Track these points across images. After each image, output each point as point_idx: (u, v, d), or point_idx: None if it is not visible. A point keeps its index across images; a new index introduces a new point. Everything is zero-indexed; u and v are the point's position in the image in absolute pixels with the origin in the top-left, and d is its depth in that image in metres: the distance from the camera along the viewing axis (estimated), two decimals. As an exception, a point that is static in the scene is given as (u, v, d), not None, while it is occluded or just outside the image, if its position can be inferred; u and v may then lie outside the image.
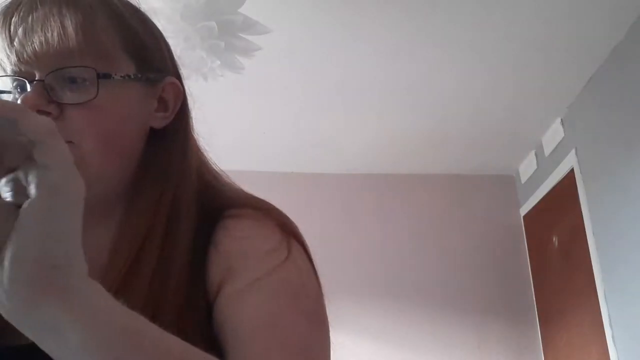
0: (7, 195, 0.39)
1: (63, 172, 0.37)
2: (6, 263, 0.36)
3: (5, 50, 0.58)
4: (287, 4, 2.30)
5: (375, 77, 2.77)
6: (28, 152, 0.37)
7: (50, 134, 0.37)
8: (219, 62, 2.12)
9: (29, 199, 0.36)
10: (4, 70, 0.59)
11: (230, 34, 2.05)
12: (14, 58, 0.57)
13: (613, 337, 2.57)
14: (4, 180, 0.39)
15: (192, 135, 0.68)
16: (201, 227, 0.61)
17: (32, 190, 0.36)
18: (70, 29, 0.57)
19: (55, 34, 0.57)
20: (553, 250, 3.19)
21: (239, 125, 3.07)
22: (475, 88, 2.86)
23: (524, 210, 3.52)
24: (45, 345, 0.37)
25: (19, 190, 0.38)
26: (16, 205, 0.38)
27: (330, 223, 3.43)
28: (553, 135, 3.15)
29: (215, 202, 0.64)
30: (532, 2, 2.31)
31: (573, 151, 2.93)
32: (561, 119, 3.07)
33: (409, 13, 2.36)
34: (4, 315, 0.37)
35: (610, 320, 2.60)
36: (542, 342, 3.29)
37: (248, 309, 0.53)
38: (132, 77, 0.61)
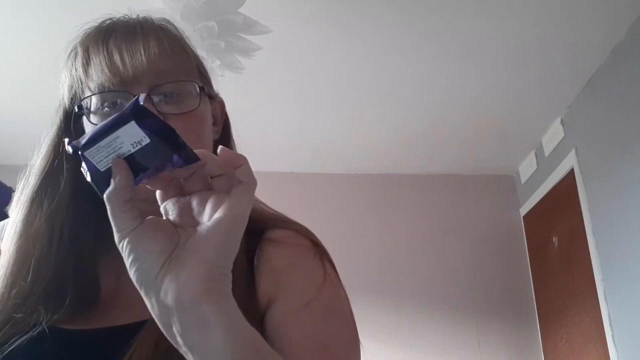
0: (172, 215, 0.48)
1: (247, 206, 0.47)
2: (188, 263, 0.44)
3: (104, 69, 0.64)
4: (287, 4, 2.30)
5: (375, 77, 2.78)
6: (207, 184, 0.48)
7: (255, 180, 0.48)
8: (219, 62, 2.12)
9: (216, 217, 0.46)
10: (100, 87, 0.64)
11: (230, 34, 2.05)
12: (116, 77, 0.63)
13: (613, 337, 2.57)
14: (172, 200, 0.48)
15: (235, 148, 0.79)
16: (245, 242, 0.67)
17: (220, 212, 0.46)
18: (168, 51, 0.66)
19: (156, 54, 0.65)
20: (553, 250, 3.19)
21: (238, 126, 3.06)
22: (474, 88, 2.86)
23: (524, 210, 3.53)
24: (188, 338, 0.44)
25: (185, 212, 0.47)
26: (174, 224, 0.47)
27: (330, 223, 3.43)
28: (553, 135, 3.15)
29: (254, 220, 0.70)
30: (532, 2, 2.31)
31: (573, 151, 2.93)
32: (561, 119, 3.07)
33: (409, 13, 2.36)
34: (156, 307, 0.45)
35: (610, 320, 2.60)
36: (542, 342, 3.29)
37: (304, 329, 0.61)
38: (207, 92, 0.71)
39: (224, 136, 0.78)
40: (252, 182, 0.48)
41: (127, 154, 0.46)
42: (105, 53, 0.65)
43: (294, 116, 3.11)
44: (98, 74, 0.64)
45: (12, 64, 2.62)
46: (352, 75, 2.77)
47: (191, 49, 0.72)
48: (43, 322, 0.61)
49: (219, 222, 0.45)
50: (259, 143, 3.27)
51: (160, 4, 1.94)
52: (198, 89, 0.67)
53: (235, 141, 0.80)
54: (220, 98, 0.77)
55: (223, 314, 0.44)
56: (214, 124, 0.75)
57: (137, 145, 0.46)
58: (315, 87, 2.86)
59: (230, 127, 0.79)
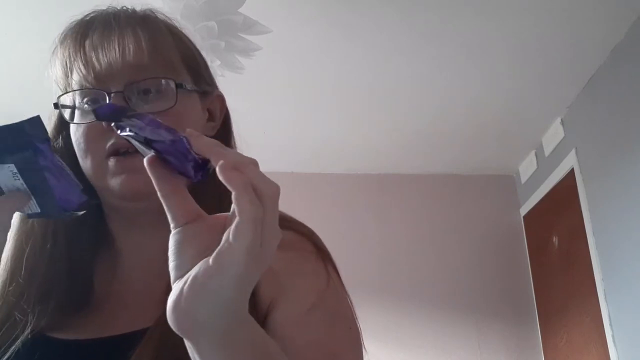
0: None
1: (252, 244, 0.42)
2: (188, 283, 0.41)
3: (80, 67, 0.63)
4: (287, 4, 2.30)
5: (375, 77, 2.77)
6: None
7: (272, 193, 0.43)
8: (219, 62, 2.12)
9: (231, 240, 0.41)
10: (76, 85, 0.63)
11: (230, 34, 2.05)
12: (90, 74, 0.62)
13: (613, 337, 2.57)
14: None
15: (235, 146, 0.75)
16: None
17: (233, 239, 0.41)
18: (144, 47, 0.63)
19: (131, 51, 0.63)
20: (553, 250, 3.18)
21: (238, 126, 3.06)
22: (475, 88, 2.86)
23: (524, 210, 3.52)
24: (193, 355, 0.44)
25: None
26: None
27: (330, 223, 3.42)
28: (553, 135, 3.15)
29: None
30: (532, 2, 2.31)
31: (573, 151, 2.93)
32: (561, 119, 3.07)
33: (409, 13, 2.36)
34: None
35: (610, 320, 2.60)
36: (542, 342, 3.29)
37: (307, 335, 0.59)
38: (194, 88, 0.68)
39: (224, 132, 0.75)
40: (274, 207, 0.42)
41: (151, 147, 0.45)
42: (81, 50, 0.63)
43: (294, 116, 3.11)
44: (75, 72, 0.63)
45: (12, 64, 2.62)
46: (352, 75, 2.77)
47: (180, 41, 0.70)
48: (31, 328, 0.60)
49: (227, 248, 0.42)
50: (259, 143, 3.26)
51: (160, 3, 1.94)
52: (174, 86, 0.64)
53: (236, 140, 0.78)
54: (220, 92, 0.74)
55: (227, 345, 0.43)
56: (211, 119, 0.73)
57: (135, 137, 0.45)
58: (315, 87, 2.86)
59: (230, 123, 0.77)
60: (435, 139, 3.31)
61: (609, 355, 2.59)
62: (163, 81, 0.64)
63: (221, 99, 0.75)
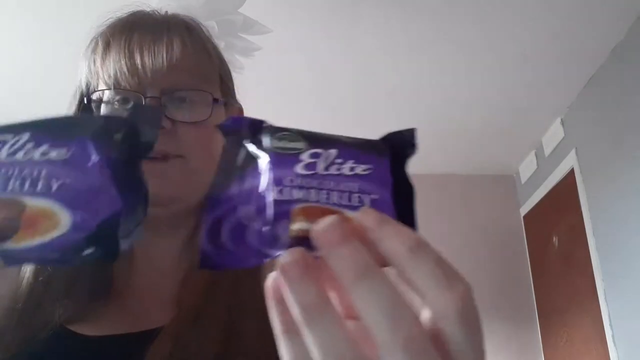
0: None
1: None
2: None
3: (122, 66, 0.62)
4: (287, 4, 2.30)
5: (375, 77, 2.77)
6: None
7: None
8: (218, 62, 2.12)
9: None
10: (115, 83, 0.62)
11: (230, 34, 2.05)
12: (134, 78, 0.61)
13: (613, 337, 2.57)
14: None
15: None
16: None
17: None
18: (189, 55, 0.64)
19: (178, 59, 0.62)
20: (553, 250, 3.19)
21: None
22: (475, 88, 2.86)
23: (524, 210, 3.52)
24: None
25: None
26: None
27: (330, 223, 3.43)
28: (553, 135, 3.15)
29: None
30: (533, 2, 2.31)
31: (573, 151, 2.93)
32: (561, 119, 3.07)
33: (409, 14, 2.36)
34: None
35: (610, 320, 2.60)
36: (542, 342, 3.29)
37: None
38: (224, 102, 0.68)
39: None
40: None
41: None
42: (126, 50, 0.63)
43: (295, 116, 3.11)
44: (116, 70, 0.62)
45: (12, 64, 2.62)
46: (351, 76, 2.77)
47: (216, 51, 0.71)
48: (59, 319, 0.60)
49: None
50: (259, 143, 3.27)
51: (160, 3, 1.94)
52: (211, 100, 0.65)
53: None
54: (240, 105, 0.75)
55: None
56: None
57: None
58: (314, 87, 2.86)
59: None
60: (436, 139, 3.31)
61: (609, 355, 2.59)
62: (201, 93, 0.64)
63: (241, 111, 0.76)
